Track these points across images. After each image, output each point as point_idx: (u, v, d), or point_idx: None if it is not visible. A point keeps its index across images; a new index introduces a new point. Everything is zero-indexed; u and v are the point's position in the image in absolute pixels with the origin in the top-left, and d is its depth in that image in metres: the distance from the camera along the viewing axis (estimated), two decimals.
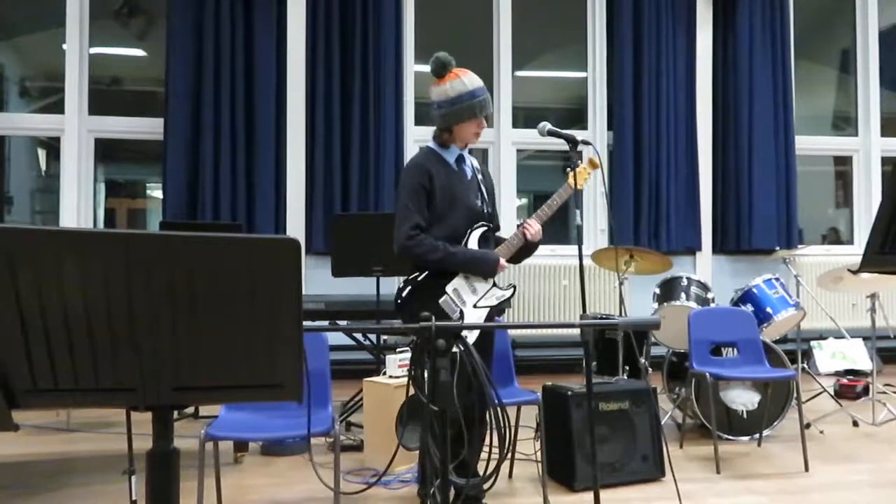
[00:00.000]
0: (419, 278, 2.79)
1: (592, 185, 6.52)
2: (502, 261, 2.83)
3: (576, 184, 2.88)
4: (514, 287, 2.91)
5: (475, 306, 2.81)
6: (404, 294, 2.80)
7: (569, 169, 2.92)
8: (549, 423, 3.31)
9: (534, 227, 2.88)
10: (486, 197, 2.92)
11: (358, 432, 4.04)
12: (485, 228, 2.87)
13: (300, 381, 1.21)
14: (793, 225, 6.62)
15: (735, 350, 4.13)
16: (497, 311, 2.89)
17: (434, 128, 2.91)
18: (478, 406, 2.81)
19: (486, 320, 2.84)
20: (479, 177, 2.94)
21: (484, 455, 2.78)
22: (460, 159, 2.89)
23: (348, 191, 5.94)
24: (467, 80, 2.82)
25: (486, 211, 2.90)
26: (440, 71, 2.84)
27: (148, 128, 6.01)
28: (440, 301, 2.76)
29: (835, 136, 7.45)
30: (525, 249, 2.93)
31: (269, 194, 5.86)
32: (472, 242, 2.82)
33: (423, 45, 6.35)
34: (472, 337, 2.73)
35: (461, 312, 2.77)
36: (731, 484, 3.44)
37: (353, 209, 5.88)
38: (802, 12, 6.96)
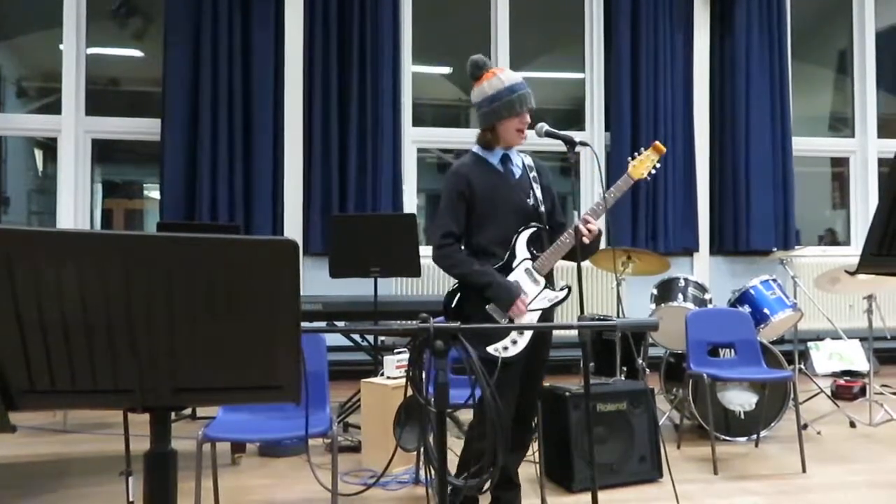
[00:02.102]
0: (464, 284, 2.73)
1: (591, 187, 6.54)
2: (520, 302, 2.65)
3: (641, 173, 2.76)
4: (569, 288, 2.75)
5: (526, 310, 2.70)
6: (455, 300, 2.72)
7: (630, 158, 2.81)
8: (546, 424, 3.31)
9: (591, 225, 2.67)
10: (539, 195, 2.79)
11: (356, 433, 4.04)
12: (534, 230, 2.74)
13: (298, 382, 1.21)
14: (790, 226, 6.63)
15: (732, 351, 4.13)
16: (548, 316, 2.75)
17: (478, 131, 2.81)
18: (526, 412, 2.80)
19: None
20: (532, 174, 2.82)
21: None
22: (505, 159, 2.79)
23: (346, 192, 5.94)
24: (504, 76, 2.75)
25: (538, 209, 2.77)
26: (475, 72, 2.78)
27: (145, 128, 6.00)
28: (487, 306, 2.66)
29: (832, 138, 7.47)
30: (585, 247, 2.71)
31: (266, 195, 5.85)
32: (521, 245, 2.70)
33: (420, 46, 6.35)
34: (522, 342, 2.64)
35: (510, 318, 2.66)
36: (728, 485, 3.45)
37: (351, 210, 5.87)
38: (800, 13, 6.98)
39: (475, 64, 2.79)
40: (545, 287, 2.73)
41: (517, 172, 2.80)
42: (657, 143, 2.84)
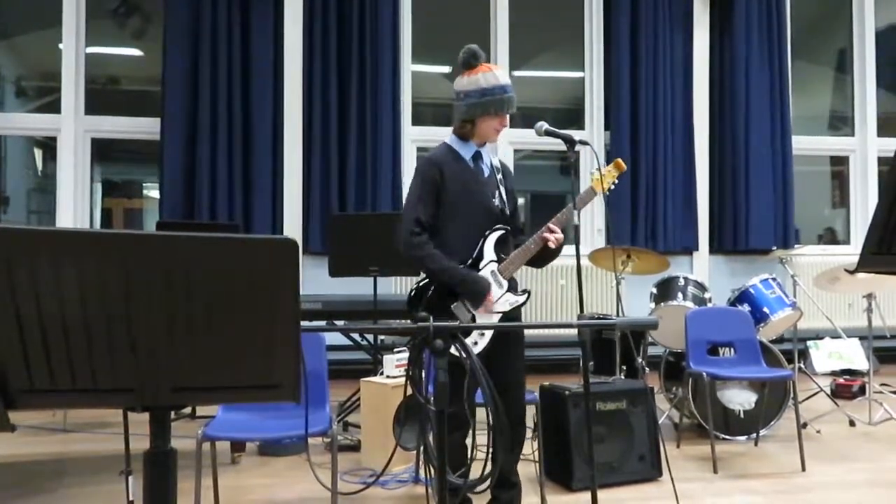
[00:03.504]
0: (431, 280, 2.73)
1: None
2: (491, 295, 2.68)
3: (603, 187, 2.84)
4: (528, 293, 2.79)
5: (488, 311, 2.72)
6: (414, 296, 2.72)
7: (592, 172, 2.87)
8: (546, 424, 3.31)
9: (558, 234, 2.73)
10: (504, 197, 2.81)
11: (355, 432, 4.04)
12: (502, 233, 2.76)
13: (297, 381, 1.21)
14: (789, 225, 6.63)
15: (732, 350, 4.13)
16: (510, 316, 2.77)
17: (454, 122, 2.81)
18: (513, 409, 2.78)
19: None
20: (499, 176, 2.84)
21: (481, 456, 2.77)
22: (477, 156, 2.80)
23: (345, 191, 5.94)
24: (500, 73, 2.75)
25: (504, 210, 2.79)
26: (471, 61, 2.75)
27: (144, 127, 6.00)
28: (452, 305, 2.68)
29: (831, 136, 7.47)
30: (548, 253, 2.79)
31: (266, 194, 5.85)
32: (489, 246, 2.72)
33: (420, 45, 6.35)
34: (483, 342, 2.65)
35: (473, 318, 2.69)
36: (728, 483, 3.45)
37: (351, 209, 5.87)
38: (799, 12, 6.98)
39: (473, 53, 2.76)
40: (507, 290, 2.75)
41: (486, 171, 2.82)
42: (619, 160, 2.94)
